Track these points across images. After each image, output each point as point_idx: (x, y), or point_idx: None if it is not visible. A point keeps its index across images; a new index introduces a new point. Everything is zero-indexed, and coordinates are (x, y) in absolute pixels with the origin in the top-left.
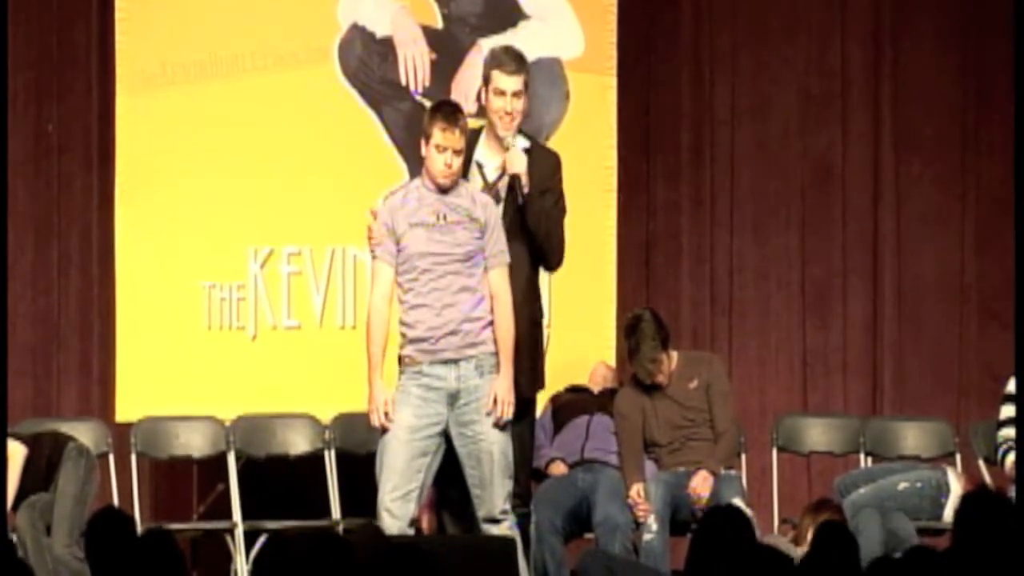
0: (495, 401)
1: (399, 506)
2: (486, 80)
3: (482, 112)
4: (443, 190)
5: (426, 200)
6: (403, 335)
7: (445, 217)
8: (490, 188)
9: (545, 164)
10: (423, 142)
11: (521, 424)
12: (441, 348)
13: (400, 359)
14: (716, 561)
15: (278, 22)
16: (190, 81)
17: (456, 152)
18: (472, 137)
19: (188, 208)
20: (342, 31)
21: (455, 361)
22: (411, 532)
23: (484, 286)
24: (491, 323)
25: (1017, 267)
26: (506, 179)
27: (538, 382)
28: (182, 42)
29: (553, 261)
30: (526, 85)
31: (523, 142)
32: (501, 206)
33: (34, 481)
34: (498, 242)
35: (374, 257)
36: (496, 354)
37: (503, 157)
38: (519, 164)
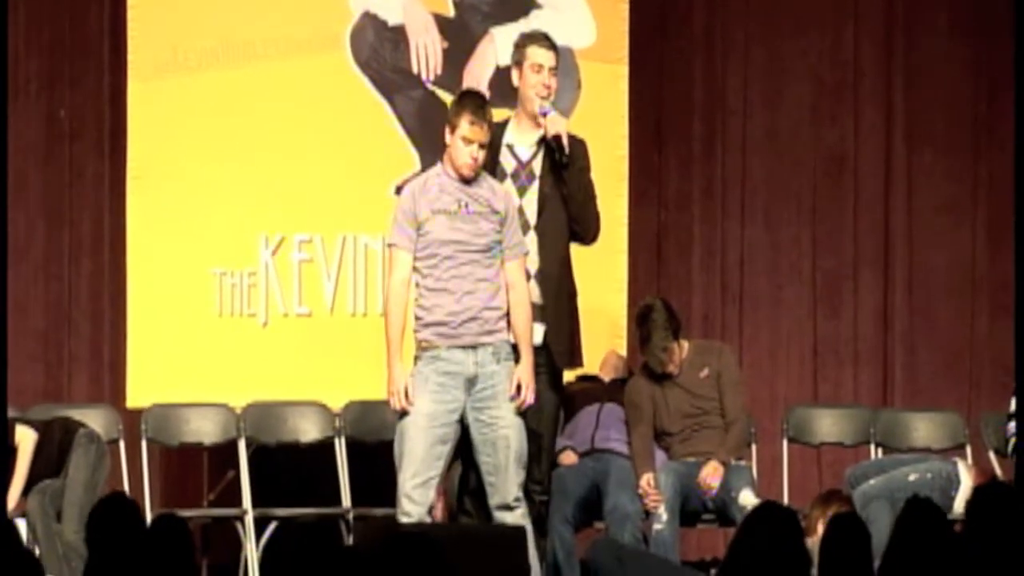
0: (518, 388)
1: (420, 493)
2: (519, 61)
3: (497, 100)
4: (465, 180)
5: (447, 188)
6: (419, 319)
7: (467, 206)
8: (523, 166)
9: (576, 150)
10: (447, 130)
11: (552, 402)
12: (460, 333)
13: (417, 342)
14: (761, 561)
15: (290, 9)
16: (202, 68)
17: (482, 145)
18: (500, 123)
19: (199, 195)
20: (354, 19)
21: (473, 347)
22: (428, 519)
23: (501, 277)
24: (505, 314)
25: (1017, 261)
26: (540, 158)
27: (576, 357)
28: (194, 29)
29: (591, 231)
30: (557, 64)
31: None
32: (536, 183)
33: (45, 467)
34: (516, 234)
35: (390, 245)
36: (509, 343)
37: (537, 134)
38: (560, 125)
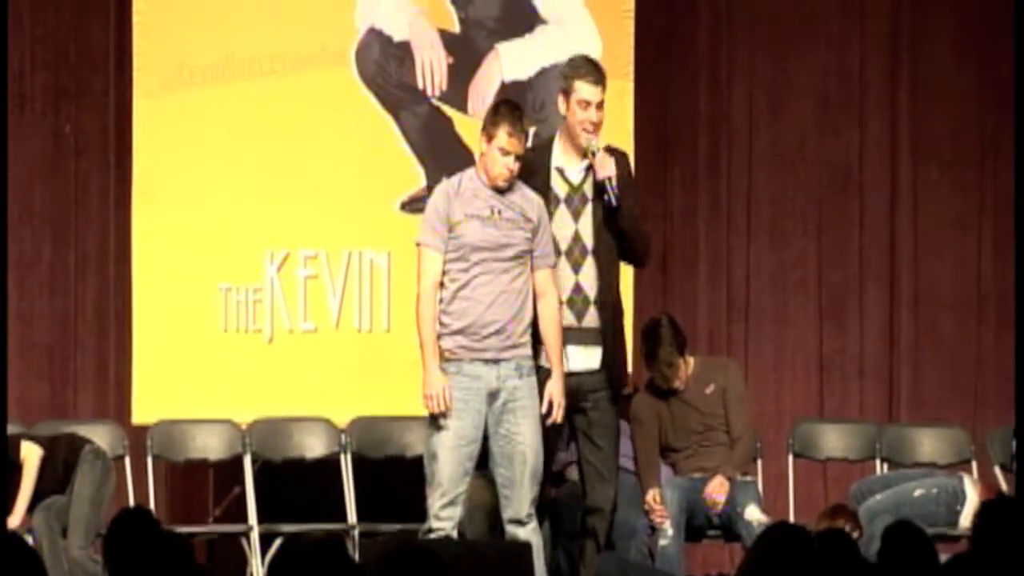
0: (550, 405)
1: (447, 511)
2: (566, 91)
3: None
4: (499, 190)
5: (481, 194)
6: (443, 324)
7: (500, 213)
8: (576, 190)
9: (624, 161)
10: (483, 138)
11: (615, 419)
12: (484, 347)
13: (439, 351)
14: None
15: (295, 26)
16: (207, 84)
17: (517, 157)
18: (545, 144)
19: (205, 210)
20: (359, 35)
21: (496, 361)
22: (455, 534)
23: (530, 287)
24: (530, 326)
25: (1017, 269)
26: (590, 180)
27: (625, 376)
28: (199, 45)
29: (646, 259)
30: (604, 96)
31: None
32: (590, 206)
33: (50, 483)
34: (548, 243)
35: (419, 244)
36: (531, 358)
37: (582, 159)
38: (609, 167)
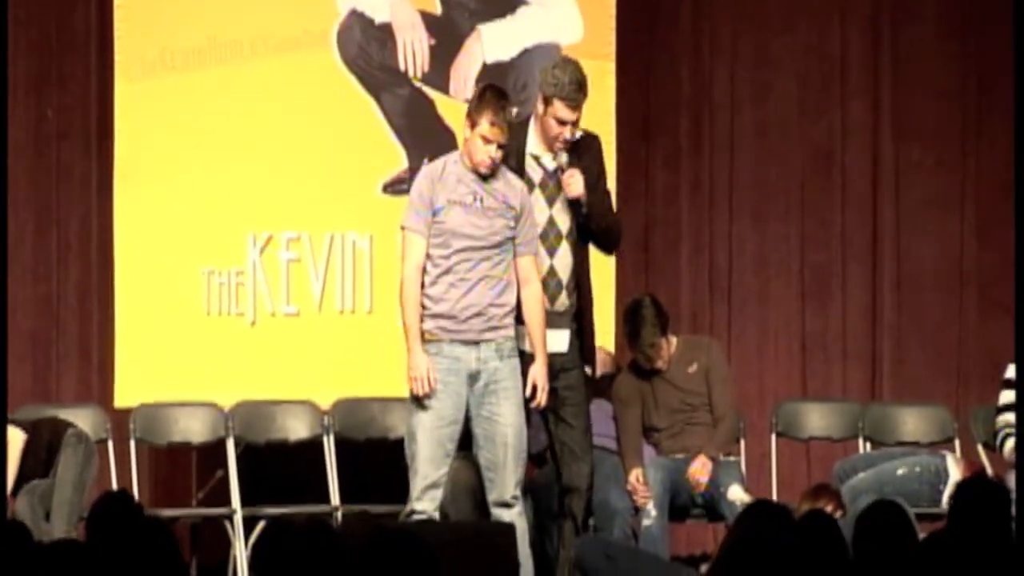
0: (534, 389)
1: (429, 494)
2: (547, 99)
3: None
4: (482, 175)
5: (464, 179)
6: (424, 308)
7: (482, 201)
8: (551, 176)
9: (595, 149)
10: (467, 124)
11: (586, 397)
12: (464, 329)
13: (421, 334)
14: (754, 558)
15: (277, 8)
16: (189, 68)
17: (500, 145)
18: (520, 125)
19: (187, 194)
20: (341, 17)
21: (476, 343)
22: (437, 516)
23: (511, 273)
24: (513, 310)
25: (1017, 254)
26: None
27: (593, 355)
28: (181, 29)
29: (614, 249)
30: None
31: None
32: (563, 192)
33: (33, 467)
34: (531, 230)
35: (403, 227)
36: (514, 339)
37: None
38: (577, 187)
